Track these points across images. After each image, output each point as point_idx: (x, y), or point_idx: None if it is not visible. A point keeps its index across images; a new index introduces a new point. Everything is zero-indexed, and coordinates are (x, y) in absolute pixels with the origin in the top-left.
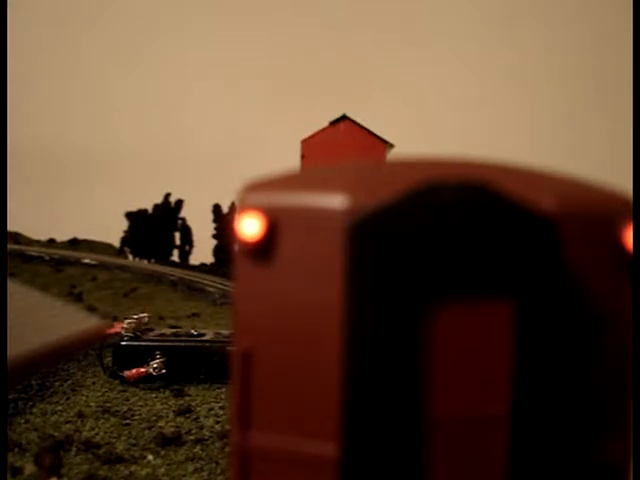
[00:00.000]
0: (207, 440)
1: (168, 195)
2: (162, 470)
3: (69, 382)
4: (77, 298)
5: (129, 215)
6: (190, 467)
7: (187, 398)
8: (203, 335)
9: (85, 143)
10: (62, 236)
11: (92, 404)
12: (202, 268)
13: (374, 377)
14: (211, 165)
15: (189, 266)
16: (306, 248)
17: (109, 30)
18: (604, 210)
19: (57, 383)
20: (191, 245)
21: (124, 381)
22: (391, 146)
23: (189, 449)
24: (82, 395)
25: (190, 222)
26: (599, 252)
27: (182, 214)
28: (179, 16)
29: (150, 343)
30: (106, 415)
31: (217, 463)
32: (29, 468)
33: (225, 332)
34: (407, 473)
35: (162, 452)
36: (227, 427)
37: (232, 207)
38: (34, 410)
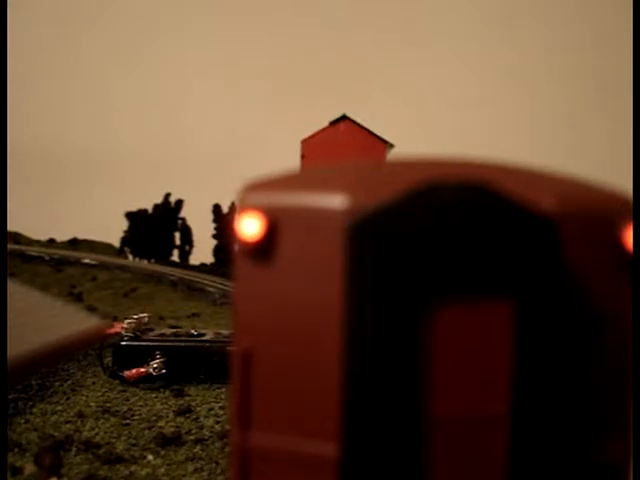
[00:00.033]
0: (207, 440)
1: (168, 195)
2: (162, 470)
3: (69, 382)
4: (77, 298)
5: (129, 215)
6: (190, 467)
7: (187, 398)
8: (203, 335)
9: (85, 143)
10: (62, 236)
11: (92, 404)
12: (202, 268)
13: (374, 377)
14: (211, 165)
15: (189, 266)
16: (306, 248)
17: (109, 30)
18: (604, 210)
19: (57, 383)
20: (191, 245)
21: (124, 381)
22: (391, 146)
23: (189, 449)
24: (82, 395)
25: (190, 222)
26: (599, 252)
27: (182, 214)
28: (179, 16)
29: (150, 343)
30: (106, 415)
31: (217, 463)
32: (29, 468)
33: (225, 332)
34: (407, 473)
35: (162, 452)
36: (227, 427)
37: (232, 207)
38: (34, 410)
